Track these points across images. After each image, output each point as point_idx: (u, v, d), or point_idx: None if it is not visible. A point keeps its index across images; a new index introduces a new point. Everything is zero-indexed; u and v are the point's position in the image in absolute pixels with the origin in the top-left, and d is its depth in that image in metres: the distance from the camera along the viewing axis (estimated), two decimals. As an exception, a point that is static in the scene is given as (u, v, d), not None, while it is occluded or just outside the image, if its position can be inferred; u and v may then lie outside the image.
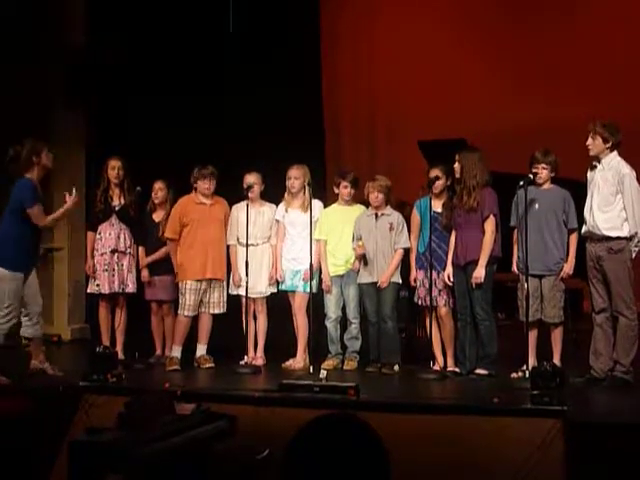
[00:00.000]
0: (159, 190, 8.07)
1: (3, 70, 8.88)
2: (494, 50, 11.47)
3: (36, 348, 7.06)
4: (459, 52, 11.53)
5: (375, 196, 7.42)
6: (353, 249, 7.43)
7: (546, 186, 6.98)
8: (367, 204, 7.61)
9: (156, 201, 8.09)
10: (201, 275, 7.59)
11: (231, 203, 7.85)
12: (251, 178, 7.73)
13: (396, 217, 7.45)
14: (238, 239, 7.70)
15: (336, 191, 7.70)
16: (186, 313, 7.58)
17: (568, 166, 7.06)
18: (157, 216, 8.07)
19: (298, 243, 7.61)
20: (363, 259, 7.40)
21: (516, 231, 7.03)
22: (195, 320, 7.69)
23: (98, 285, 7.86)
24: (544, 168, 6.93)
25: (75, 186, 7.23)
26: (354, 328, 7.51)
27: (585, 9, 11.09)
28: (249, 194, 7.66)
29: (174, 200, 7.94)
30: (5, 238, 6.85)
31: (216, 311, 7.70)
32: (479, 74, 11.35)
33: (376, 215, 7.44)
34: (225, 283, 7.76)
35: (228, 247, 7.78)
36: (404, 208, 8.10)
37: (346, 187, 7.60)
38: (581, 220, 6.79)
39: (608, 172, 6.61)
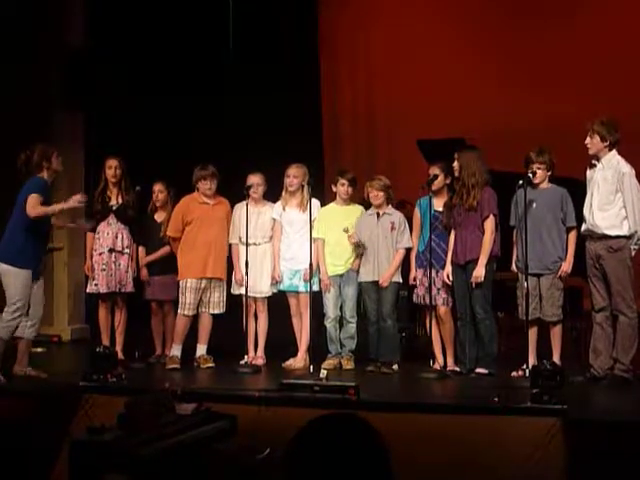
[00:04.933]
0: (159, 192, 8.07)
1: (2, 70, 8.88)
2: (493, 49, 11.45)
3: (23, 351, 7.00)
4: (458, 52, 11.51)
5: (375, 195, 7.42)
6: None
7: (543, 185, 6.98)
8: (366, 205, 7.61)
9: (157, 203, 8.09)
10: (202, 274, 7.59)
11: (231, 203, 7.85)
12: (254, 179, 7.72)
13: (398, 217, 7.46)
14: (240, 238, 7.70)
15: (334, 189, 7.70)
16: (186, 312, 7.58)
17: (568, 165, 7.06)
18: (159, 217, 8.07)
19: (296, 242, 7.61)
20: (358, 249, 7.40)
21: (515, 230, 7.04)
22: (195, 320, 7.69)
23: (96, 285, 7.87)
24: (539, 168, 6.93)
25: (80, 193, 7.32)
26: (351, 327, 7.51)
27: (584, 9, 11.07)
28: (251, 194, 7.67)
29: (175, 200, 7.94)
30: (12, 235, 6.87)
31: (216, 311, 7.71)
32: (478, 73, 11.33)
33: (378, 214, 7.45)
34: (225, 283, 7.76)
35: (230, 246, 7.79)
36: (404, 207, 8.10)
37: (344, 185, 7.59)
38: (580, 219, 6.80)
39: (608, 171, 6.62)
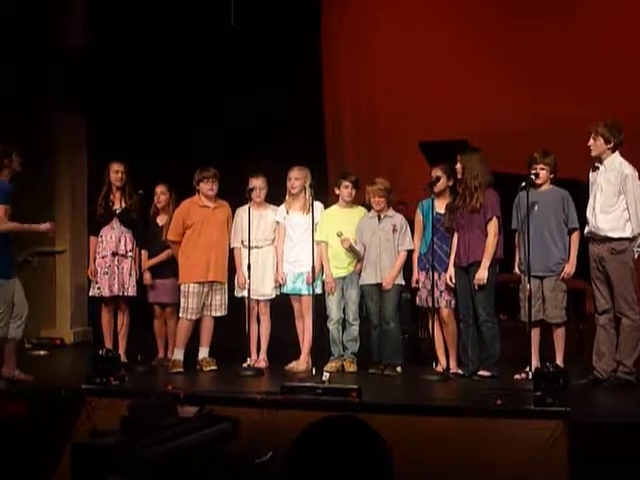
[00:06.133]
0: (161, 194, 8.06)
1: (3, 71, 8.88)
2: (495, 51, 11.45)
3: (10, 351, 6.95)
4: (459, 53, 11.51)
5: (376, 201, 7.41)
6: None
7: (545, 187, 6.98)
8: (368, 206, 7.60)
9: (159, 205, 8.08)
10: (204, 278, 7.59)
11: (232, 205, 7.85)
12: (256, 182, 7.70)
13: (399, 219, 7.46)
14: (242, 242, 7.70)
15: (337, 192, 7.70)
16: (188, 316, 7.58)
17: (570, 167, 7.05)
18: (161, 220, 8.06)
19: (299, 245, 7.61)
20: (352, 254, 7.38)
21: (517, 233, 7.03)
22: (197, 323, 7.69)
23: (99, 288, 7.87)
24: (542, 169, 6.93)
25: (54, 222, 7.46)
26: (354, 330, 7.51)
27: (585, 9, 11.08)
28: (253, 197, 7.66)
29: (177, 203, 7.94)
30: None
31: (218, 314, 7.70)
32: (480, 75, 11.34)
33: (379, 217, 7.44)
34: (226, 286, 7.76)
35: (232, 250, 7.79)
36: (399, 208, 8.07)
37: (347, 187, 7.59)
38: (583, 221, 6.79)
39: (610, 173, 6.61)
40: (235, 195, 7.88)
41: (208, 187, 7.69)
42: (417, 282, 7.38)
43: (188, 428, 4.87)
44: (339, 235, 7.41)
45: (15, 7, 9.02)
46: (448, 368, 7.22)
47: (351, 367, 7.41)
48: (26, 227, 7.09)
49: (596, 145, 6.66)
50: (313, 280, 7.43)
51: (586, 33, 10.93)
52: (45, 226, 7.19)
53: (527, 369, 6.68)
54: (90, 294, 8.14)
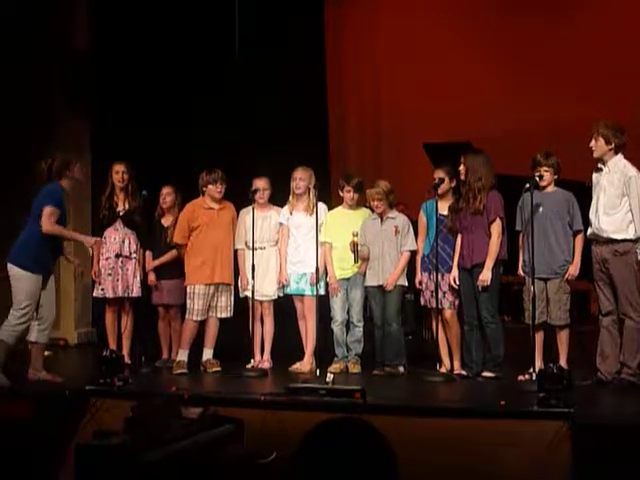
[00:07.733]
0: (167, 195, 8.07)
1: (7, 72, 8.89)
2: (498, 53, 11.46)
3: (36, 355, 6.95)
4: (463, 55, 11.52)
5: (375, 205, 7.42)
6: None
7: (550, 189, 6.98)
8: (372, 208, 7.60)
9: (164, 206, 8.09)
10: (210, 280, 7.60)
11: (236, 206, 7.85)
12: (260, 183, 7.71)
13: (401, 220, 7.45)
14: (246, 243, 7.70)
15: (340, 194, 7.71)
16: (195, 318, 7.59)
17: (574, 168, 7.05)
18: (166, 221, 8.08)
19: (303, 246, 7.61)
20: (358, 254, 7.36)
21: (521, 235, 7.03)
22: (202, 324, 7.69)
23: (103, 289, 7.87)
24: (546, 171, 6.93)
25: (100, 239, 7.62)
26: (358, 331, 7.51)
27: (587, 9, 11.08)
28: (257, 198, 7.66)
29: (182, 204, 7.95)
30: (28, 240, 6.84)
31: (223, 315, 7.71)
32: (484, 77, 11.34)
33: (381, 219, 7.44)
34: (232, 287, 7.76)
35: (235, 251, 7.79)
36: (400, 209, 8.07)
37: (349, 192, 7.59)
38: (587, 222, 6.79)
39: (614, 174, 6.61)
40: (237, 196, 7.87)
41: (217, 190, 7.68)
42: (420, 283, 7.38)
43: (192, 429, 4.87)
44: (355, 235, 7.38)
45: (19, 8, 9.02)
46: (452, 369, 7.22)
47: (355, 368, 7.41)
48: (71, 235, 7.27)
49: (597, 146, 6.66)
50: (317, 281, 7.43)
51: (588, 34, 10.94)
52: (89, 240, 7.24)
53: (531, 370, 6.67)
54: (94, 295, 8.14)
